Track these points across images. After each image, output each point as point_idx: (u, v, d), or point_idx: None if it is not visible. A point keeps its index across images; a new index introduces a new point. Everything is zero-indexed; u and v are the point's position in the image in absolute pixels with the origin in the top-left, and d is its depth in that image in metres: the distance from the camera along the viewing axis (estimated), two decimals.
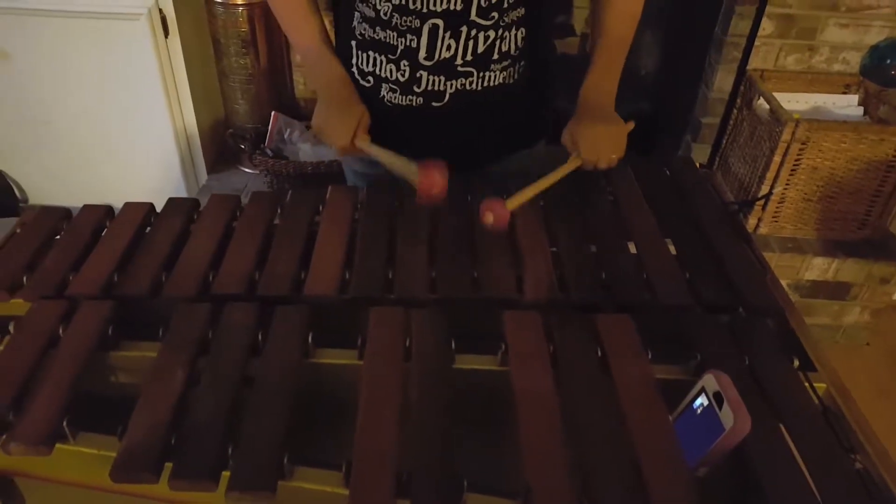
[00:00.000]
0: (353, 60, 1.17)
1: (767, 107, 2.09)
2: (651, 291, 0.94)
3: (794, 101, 2.19)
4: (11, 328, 0.86)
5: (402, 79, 1.13)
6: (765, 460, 0.71)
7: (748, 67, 2.21)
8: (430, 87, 1.13)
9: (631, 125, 1.12)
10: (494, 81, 1.15)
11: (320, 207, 1.11)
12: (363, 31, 1.12)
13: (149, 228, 1.07)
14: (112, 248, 1.01)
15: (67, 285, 0.95)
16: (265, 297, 0.92)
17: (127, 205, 1.11)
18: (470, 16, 1.06)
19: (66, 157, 2.54)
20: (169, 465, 0.70)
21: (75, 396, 0.78)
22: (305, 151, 2.41)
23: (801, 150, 2.00)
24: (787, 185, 2.08)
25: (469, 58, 1.11)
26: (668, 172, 1.24)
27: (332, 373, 0.85)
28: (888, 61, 2.08)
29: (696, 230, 1.07)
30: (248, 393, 0.77)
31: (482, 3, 1.05)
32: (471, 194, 1.11)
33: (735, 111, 2.30)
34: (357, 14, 1.11)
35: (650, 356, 0.82)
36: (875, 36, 2.17)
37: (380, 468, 0.68)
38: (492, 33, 1.09)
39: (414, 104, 1.15)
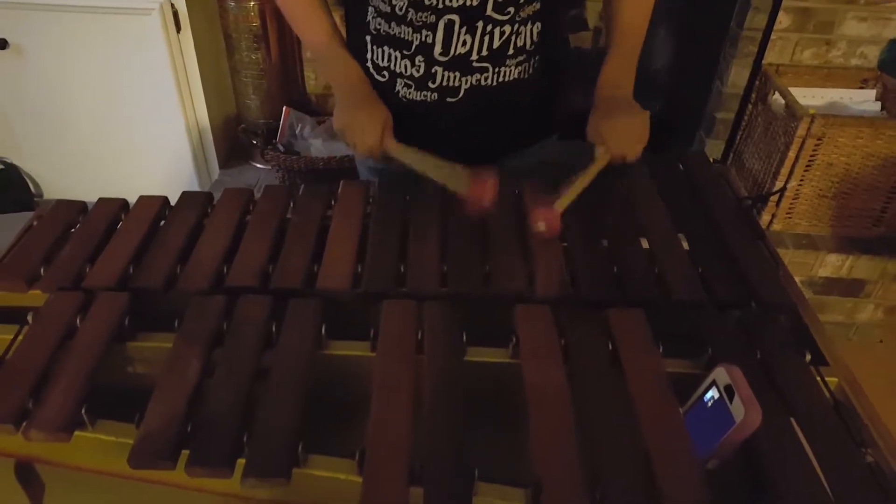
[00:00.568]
0: (368, 55, 1.17)
1: (783, 102, 2.07)
2: (663, 287, 0.94)
3: (810, 97, 2.17)
4: (30, 318, 0.88)
5: (416, 74, 1.13)
6: (776, 454, 0.71)
7: (764, 62, 2.20)
8: (445, 83, 1.14)
9: (648, 113, 1.12)
10: (509, 77, 1.15)
11: (332, 202, 1.11)
12: (378, 27, 1.12)
13: (163, 222, 1.09)
14: (127, 240, 1.02)
15: (84, 277, 0.96)
16: (278, 289, 0.93)
17: (141, 198, 1.12)
18: (486, 11, 1.06)
19: (80, 153, 2.56)
20: (185, 453, 0.71)
21: (93, 386, 0.79)
22: (317, 147, 2.41)
23: (816, 145, 1.99)
24: (801, 181, 2.07)
25: (484, 53, 1.11)
26: (681, 168, 1.23)
27: (344, 364, 0.86)
28: None
29: (709, 226, 1.07)
30: (263, 384, 0.78)
31: None
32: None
33: (750, 106, 2.29)
34: (371, 9, 1.11)
35: (661, 350, 0.82)
36: (894, 30, 2.15)
37: (393, 457, 0.69)
38: (507, 28, 1.09)
39: (429, 100, 1.16)
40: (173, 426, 0.73)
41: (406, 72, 1.14)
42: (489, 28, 1.08)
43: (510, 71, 1.14)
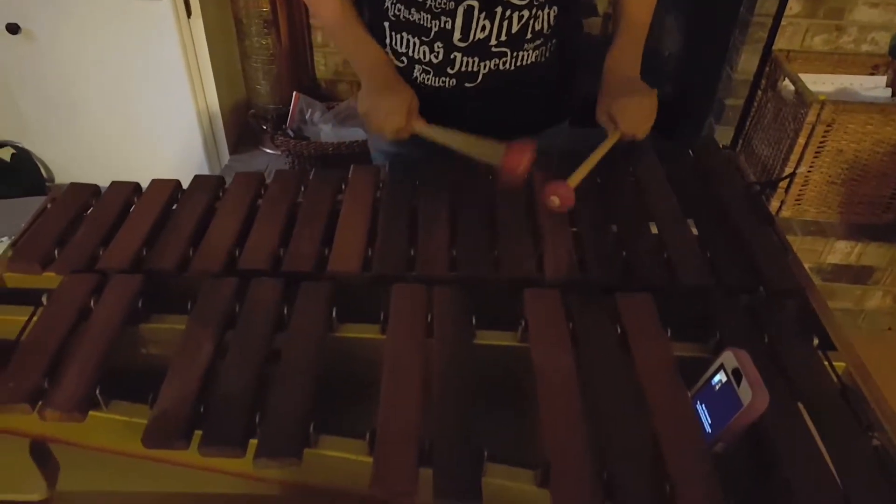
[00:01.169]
0: (387, 41, 1.17)
1: (792, 88, 2.06)
2: (672, 271, 0.95)
3: (820, 83, 2.16)
4: (44, 300, 0.89)
5: (435, 60, 1.14)
6: (783, 437, 0.71)
7: (774, 48, 2.19)
8: (463, 68, 1.14)
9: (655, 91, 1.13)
10: (527, 60, 1.15)
11: (343, 186, 1.12)
12: (397, 13, 1.12)
13: (175, 205, 1.09)
14: (140, 223, 1.03)
15: (98, 260, 0.97)
16: (290, 273, 0.94)
17: (154, 182, 1.13)
18: None
19: (90, 138, 2.57)
20: (198, 433, 0.72)
21: (107, 367, 0.80)
22: (326, 132, 2.42)
23: (826, 131, 1.98)
24: (811, 167, 2.06)
25: (503, 38, 1.11)
26: (690, 154, 1.23)
27: (355, 347, 0.87)
28: None
29: (718, 211, 1.07)
30: (274, 366, 0.79)
31: None
32: (492, 174, 1.11)
33: (759, 93, 2.28)
34: None
35: (669, 334, 0.83)
36: None
37: (403, 437, 0.70)
38: (526, 13, 1.09)
39: (447, 85, 1.16)
40: (186, 407, 0.74)
41: (425, 58, 1.14)
42: (508, 13, 1.08)
43: (528, 55, 1.15)
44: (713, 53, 2.45)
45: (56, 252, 0.99)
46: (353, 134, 2.40)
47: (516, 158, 0.99)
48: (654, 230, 1.03)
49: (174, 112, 2.46)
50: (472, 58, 1.13)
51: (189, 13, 2.26)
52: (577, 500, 0.66)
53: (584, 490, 0.66)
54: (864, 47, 2.21)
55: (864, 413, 0.77)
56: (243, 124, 2.67)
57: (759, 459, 0.73)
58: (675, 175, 1.15)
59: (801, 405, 0.76)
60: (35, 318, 0.87)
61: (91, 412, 0.76)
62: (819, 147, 2.02)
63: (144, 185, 1.13)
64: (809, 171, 2.07)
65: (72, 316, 0.86)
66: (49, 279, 0.96)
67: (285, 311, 0.86)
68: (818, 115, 1.95)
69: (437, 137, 1.09)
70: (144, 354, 0.92)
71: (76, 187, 1.12)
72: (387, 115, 1.10)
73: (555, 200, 0.98)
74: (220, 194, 1.12)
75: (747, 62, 2.28)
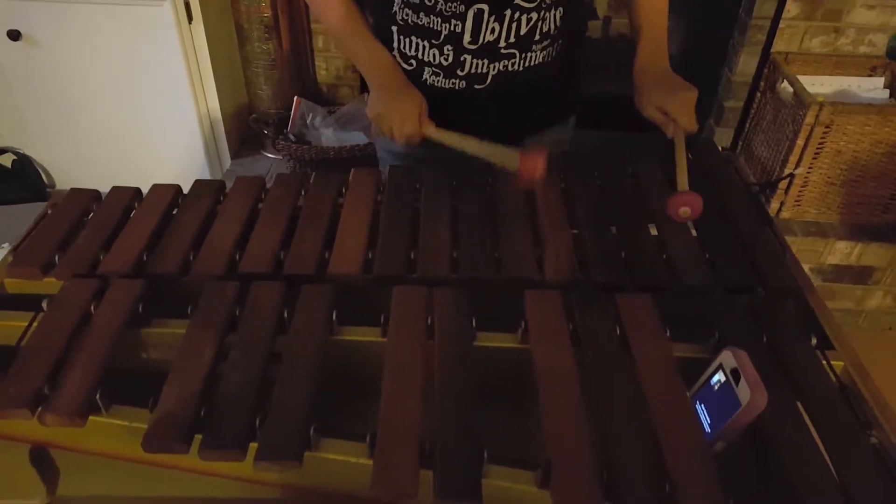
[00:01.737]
0: (395, 45, 1.18)
1: (791, 90, 2.07)
2: (671, 272, 0.95)
3: (819, 84, 2.17)
4: (45, 305, 0.89)
5: (445, 63, 1.15)
6: (781, 436, 0.71)
7: (772, 50, 2.19)
8: (473, 70, 1.15)
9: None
10: (535, 61, 1.17)
11: (343, 189, 1.12)
12: (405, 17, 1.13)
13: (176, 210, 1.10)
14: (141, 228, 1.04)
15: (99, 264, 0.97)
16: (291, 276, 0.94)
17: (155, 186, 1.14)
18: None
19: (92, 143, 2.58)
20: (199, 437, 0.72)
21: (108, 372, 0.80)
22: (328, 136, 2.43)
23: (824, 133, 1.99)
24: (809, 168, 2.07)
25: (512, 40, 1.12)
26: (690, 155, 1.23)
27: (356, 350, 0.87)
28: None
29: (717, 212, 1.07)
30: (275, 368, 0.79)
31: None
32: (492, 175, 1.12)
33: (758, 94, 2.29)
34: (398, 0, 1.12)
35: (669, 335, 0.83)
36: None
37: (404, 439, 0.70)
38: (534, 15, 1.10)
39: (457, 87, 1.17)
40: (187, 410, 0.74)
41: (434, 60, 1.15)
42: (517, 15, 1.09)
43: (536, 56, 1.16)
44: (713, 56, 2.45)
45: (57, 257, 0.99)
46: (355, 138, 2.40)
47: (533, 164, 1.00)
48: (654, 231, 1.04)
49: (175, 117, 2.46)
50: (482, 59, 1.14)
51: (190, 19, 2.27)
52: (577, 500, 0.66)
53: (585, 491, 0.66)
54: (862, 49, 2.22)
55: (863, 411, 0.77)
56: (245, 129, 2.68)
57: (759, 458, 0.73)
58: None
59: (799, 404, 0.76)
60: (35, 324, 0.87)
61: (91, 417, 0.76)
62: (818, 148, 2.02)
63: (145, 190, 1.14)
64: (808, 173, 2.08)
65: (73, 321, 0.86)
66: (50, 284, 0.96)
67: (286, 314, 0.87)
68: (817, 116, 1.96)
69: (449, 142, 1.10)
70: (145, 359, 0.92)
71: (77, 193, 1.13)
72: (398, 120, 1.10)
73: (686, 211, 1.01)
74: (221, 198, 1.12)
75: (746, 64, 2.28)
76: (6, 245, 1.82)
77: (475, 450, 0.69)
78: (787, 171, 2.07)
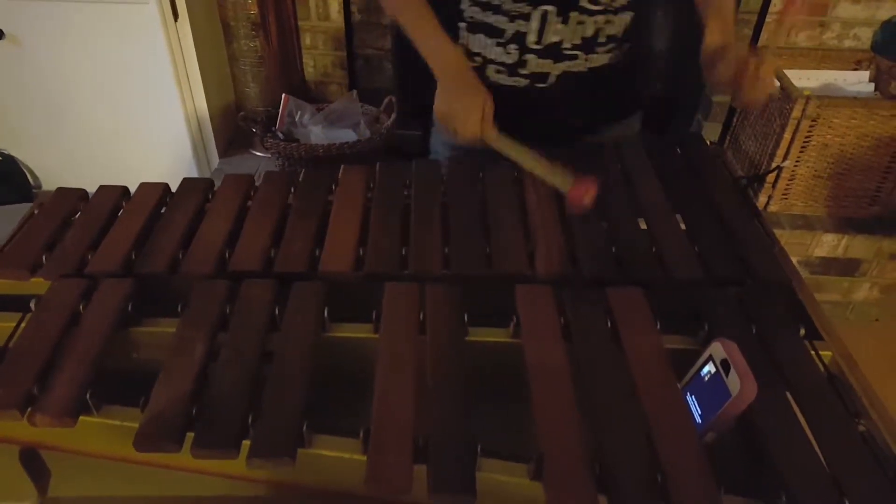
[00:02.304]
0: (461, 42, 1.19)
1: (778, 84, 2.08)
2: (661, 265, 0.95)
3: (805, 78, 2.18)
4: (33, 306, 0.88)
5: (509, 61, 1.16)
6: (771, 426, 0.72)
7: (759, 44, 2.20)
8: (536, 70, 1.16)
9: None
10: (599, 63, 1.17)
11: (333, 186, 1.12)
12: (473, 15, 1.15)
13: (165, 208, 1.09)
14: (129, 227, 1.03)
15: (87, 264, 0.96)
16: (282, 273, 0.94)
17: (143, 185, 1.13)
18: (580, 1, 1.08)
19: (78, 143, 2.56)
20: (191, 436, 0.72)
21: (98, 372, 0.80)
22: (316, 134, 2.41)
23: (811, 126, 2.00)
24: (797, 161, 2.08)
25: (577, 42, 1.13)
26: (678, 150, 1.24)
27: (348, 346, 0.87)
28: None
29: (705, 205, 1.08)
30: (267, 366, 0.79)
31: None
32: (482, 171, 1.12)
33: None
34: None
35: (659, 327, 0.83)
36: (887, 11, 2.15)
37: (397, 434, 0.70)
38: (600, 18, 1.11)
39: (519, 85, 1.18)
40: (178, 409, 0.74)
41: (498, 58, 1.16)
42: (583, 18, 1.10)
43: (600, 57, 1.17)
44: (700, 50, 2.45)
45: (44, 257, 0.98)
46: (344, 135, 2.39)
47: (583, 191, 1.00)
48: (644, 225, 1.04)
49: (162, 116, 2.45)
50: (546, 60, 1.15)
51: (176, 16, 2.25)
52: (570, 492, 0.66)
53: (578, 482, 0.67)
54: (848, 43, 2.23)
55: (851, 401, 0.78)
56: (233, 127, 2.66)
57: (749, 448, 0.74)
58: (664, 171, 1.15)
59: (788, 394, 0.76)
60: (24, 324, 0.87)
61: (82, 417, 0.76)
62: (805, 142, 2.03)
63: (133, 190, 1.13)
64: (796, 166, 2.09)
65: (61, 321, 0.86)
66: (37, 285, 0.95)
67: (277, 312, 0.86)
68: (803, 110, 1.97)
69: (507, 151, 1.10)
70: (136, 358, 0.92)
71: (63, 192, 1.12)
72: (463, 120, 1.10)
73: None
74: (210, 197, 1.12)
75: None
76: None
77: (469, 444, 0.69)
78: (774, 165, 2.09)
